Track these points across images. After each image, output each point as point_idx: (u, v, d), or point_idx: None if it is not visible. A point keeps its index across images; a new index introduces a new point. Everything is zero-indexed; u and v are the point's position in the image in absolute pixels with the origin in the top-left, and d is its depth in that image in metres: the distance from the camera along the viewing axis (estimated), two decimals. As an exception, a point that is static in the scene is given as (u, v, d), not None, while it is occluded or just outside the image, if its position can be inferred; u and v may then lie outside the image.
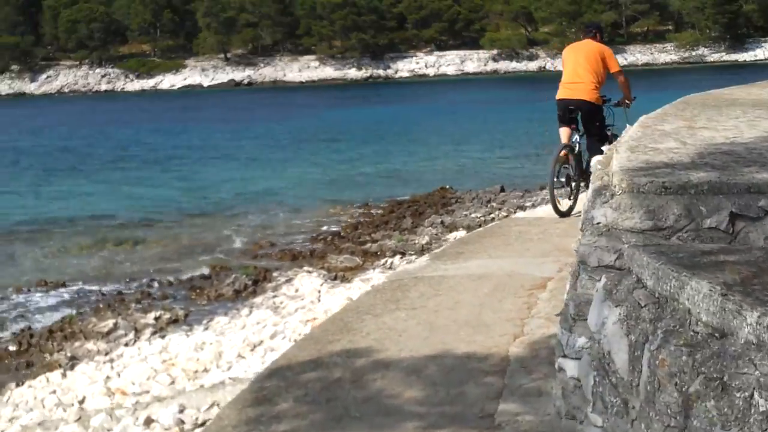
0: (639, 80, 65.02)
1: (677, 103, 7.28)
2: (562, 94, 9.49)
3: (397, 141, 33.14)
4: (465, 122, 39.81)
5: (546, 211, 10.43)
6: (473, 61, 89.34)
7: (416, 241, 14.31)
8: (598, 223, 3.66)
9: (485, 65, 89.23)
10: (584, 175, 9.30)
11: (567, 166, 9.45)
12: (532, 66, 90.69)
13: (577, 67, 9.37)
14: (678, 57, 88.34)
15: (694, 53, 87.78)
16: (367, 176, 24.33)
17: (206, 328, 10.06)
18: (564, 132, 9.47)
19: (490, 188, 19.05)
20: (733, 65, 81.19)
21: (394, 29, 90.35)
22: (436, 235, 14.66)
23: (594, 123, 9.43)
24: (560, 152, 9.32)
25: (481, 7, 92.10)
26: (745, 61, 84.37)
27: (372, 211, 18.18)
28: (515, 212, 14.94)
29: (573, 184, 9.53)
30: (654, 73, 76.20)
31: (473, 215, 16.06)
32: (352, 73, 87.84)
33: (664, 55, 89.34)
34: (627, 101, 9.80)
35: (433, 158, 27.33)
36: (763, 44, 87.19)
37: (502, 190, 18.78)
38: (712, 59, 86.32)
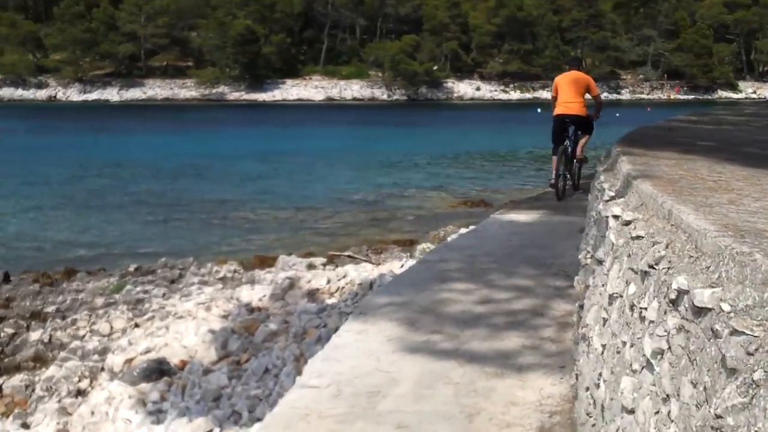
0: (160, 115, 61.88)
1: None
2: (560, 110, 12.44)
3: None
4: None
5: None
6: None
7: None
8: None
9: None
10: (570, 168, 12.86)
11: (562, 166, 12.45)
12: (42, 95, 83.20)
13: (570, 91, 12.34)
14: (198, 93, 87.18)
15: (214, 90, 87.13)
16: None
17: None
18: (554, 161, 12.39)
19: None
20: (252, 104, 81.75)
21: None
22: None
23: (585, 128, 12.75)
24: (560, 156, 12.34)
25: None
26: (264, 101, 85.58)
27: None
28: None
29: (564, 177, 12.66)
30: (176, 109, 73.57)
31: None
32: None
33: (185, 90, 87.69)
34: (597, 115, 12.83)
35: None
36: (281, 85, 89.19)
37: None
38: (232, 97, 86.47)
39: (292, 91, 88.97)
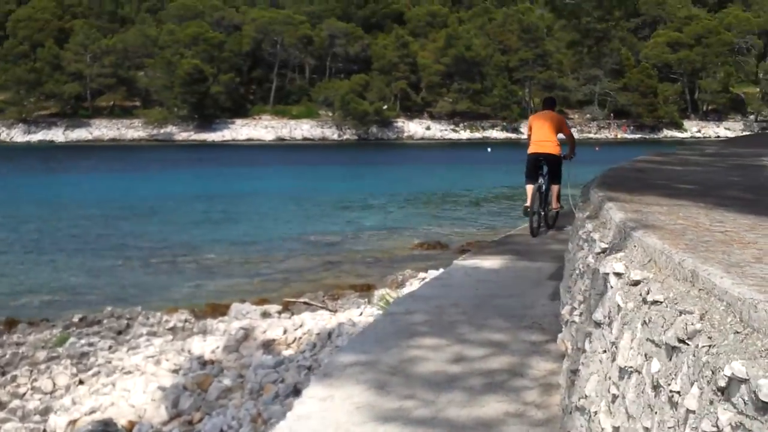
0: (107, 155, 60.80)
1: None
2: (534, 149, 12.54)
3: None
4: None
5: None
6: None
7: None
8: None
9: None
10: (545, 205, 12.80)
11: (536, 204, 12.53)
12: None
13: (544, 130, 12.50)
14: (146, 134, 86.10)
15: (162, 130, 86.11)
16: None
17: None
18: (529, 188, 12.47)
19: None
20: (202, 144, 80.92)
21: None
22: None
23: (556, 168, 12.61)
24: (535, 193, 12.40)
25: None
26: (213, 140, 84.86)
27: None
28: None
29: (539, 215, 12.74)
30: (123, 149, 72.59)
31: None
32: None
33: (132, 131, 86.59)
34: (572, 155, 12.84)
35: None
36: (230, 125, 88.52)
37: None
38: (181, 137, 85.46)
39: (241, 130, 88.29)
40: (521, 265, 9.47)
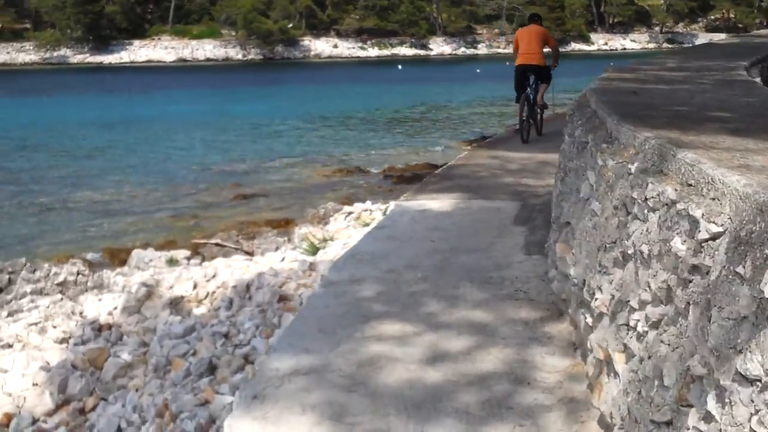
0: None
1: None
2: (522, 60, 13.66)
3: None
4: None
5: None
6: None
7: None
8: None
9: None
10: (534, 115, 14.00)
11: (525, 113, 13.65)
12: None
13: (531, 43, 13.60)
14: (38, 57, 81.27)
15: (55, 54, 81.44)
16: None
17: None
18: (519, 107, 13.76)
19: None
20: (98, 67, 76.87)
21: None
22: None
23: (544, 75, 13.81)
24: (523, 102, 13.54)
25: None
26: (110, 63, 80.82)
27: None
28: None
29: (528, 122, 13.80)
30: (13, 74, 68.27)
31: None
32: None
33: (23, 54, 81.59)
34: (555, 64, 14.07)
35: None
36: (127, 47, 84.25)
37: None
38: (75, 61, 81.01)
39: (140, 52, 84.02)
40: (476, 205, 8.03)
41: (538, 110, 14.17)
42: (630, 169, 3.31)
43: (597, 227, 3.73)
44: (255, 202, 17.26)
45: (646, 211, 2.97)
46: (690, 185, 2.64)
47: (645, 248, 2.88)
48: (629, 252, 3.11)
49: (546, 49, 13.93)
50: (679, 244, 2.54)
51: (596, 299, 3.52)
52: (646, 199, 2.95)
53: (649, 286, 2.78)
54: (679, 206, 2.62)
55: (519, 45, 13.81)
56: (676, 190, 2.70)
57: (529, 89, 13.56)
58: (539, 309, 5.01)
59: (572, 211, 4.61)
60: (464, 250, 6.36)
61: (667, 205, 2.76)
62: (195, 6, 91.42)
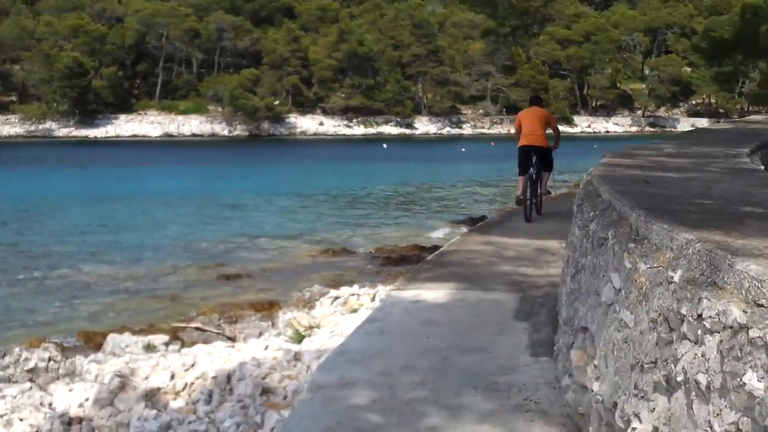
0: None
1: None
2: (525, 141, 13.99)
3: None
4: None
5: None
6: None
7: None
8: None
9: None
10: (535, 194, 14.28)
11: (528, 192, 14.05)
12: None
13: (533, 124, 13.97)
14: (23, 130, 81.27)
15: (41, 127, 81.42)
16: None
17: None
18: (521, 181, 14.06)
19: None
20: (83, 141, 76.73)
21: None
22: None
23: (546, 158, 14.19)
24: (526, 182, 13.91)
25: None
26: (96, 137, 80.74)
27: None
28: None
29: (531, 201, 14.20)
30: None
31: None
32: None
33: (8, 127, 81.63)
34: (556, 145, 14.51)
35: None
36: (113, 121, 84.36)
37: None
38: (60, 134, 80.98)
39: (126, 126, 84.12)
40: (473, 297, 7.59)
41: (541, 193, 14.51)
42: (671, 276, 2.92)
43: (629, 341, 3.32)
44: (238, 282, 16.76)
45: (700, 332, 2.56)
46: (761, 306, 2.25)
47: (702, 378, 2.47)
48: (678, 379, 2.69)
49: (548, 131, 14.34)
50: (755, 381, 2.14)
51: (634, 429, 3.09)
52: (700, 317, 2.55)
53: (711, 427, 2.37)
54: (752, 333, 2.21)
55: (522, 126, 14.18)
56: (744, 312, 2.30)
57: (531, 169, 13.90)
58: (553, 424, 4.53)
59: (591, 316, 4.20)
60: (464, 349, 5.90)
61: (732, 328, 2.36)
62: (182, 82, 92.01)
